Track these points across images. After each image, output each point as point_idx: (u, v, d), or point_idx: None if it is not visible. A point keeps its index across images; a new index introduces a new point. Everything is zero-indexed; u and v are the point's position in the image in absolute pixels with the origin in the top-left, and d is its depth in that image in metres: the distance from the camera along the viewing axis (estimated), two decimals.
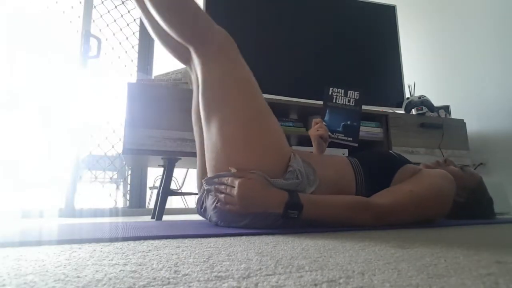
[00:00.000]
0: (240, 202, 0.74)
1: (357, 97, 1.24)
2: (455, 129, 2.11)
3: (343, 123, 1.22)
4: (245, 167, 0.78)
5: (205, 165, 0.92)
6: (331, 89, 1.25)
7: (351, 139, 1.21)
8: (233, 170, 0.78)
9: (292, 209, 0.74)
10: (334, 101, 1.24)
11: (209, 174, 0.86)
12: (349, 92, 1.24)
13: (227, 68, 0.85)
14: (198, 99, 0.95)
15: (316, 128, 1.19)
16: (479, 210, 1.10)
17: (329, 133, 1.20)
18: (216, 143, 0.82)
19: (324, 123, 1.21)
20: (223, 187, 0.78)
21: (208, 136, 0.85)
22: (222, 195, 0.78)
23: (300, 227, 0.79)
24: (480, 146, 2.26)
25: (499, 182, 1.58)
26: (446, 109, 2.30)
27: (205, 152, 0.87)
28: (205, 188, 0.88)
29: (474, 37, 2.42)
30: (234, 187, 0.75)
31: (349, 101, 1.24)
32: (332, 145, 1.33)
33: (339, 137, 1.21)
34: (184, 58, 1.02)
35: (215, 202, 0.83)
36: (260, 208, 0.75)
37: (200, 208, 0.96)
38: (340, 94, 1.24)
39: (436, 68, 2.70)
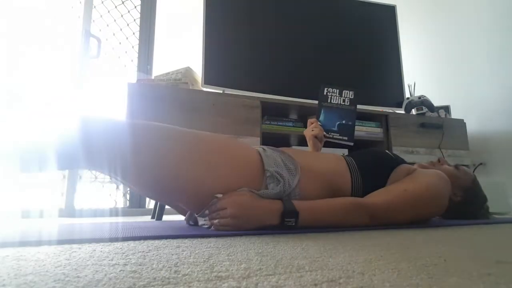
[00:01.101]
0: (234, 222, 0.72)
1: (352, 97, 1.24)
2: (455, 129, 2.11)
3: (338, 123, 1.22)
4: (227, 190, 0.76)
5: (179, 207, 0.91)
6: (326, 89, 1.25)
7: (346, 138, 1.21)
8: (218, 195, 0.76)
9: (288, 217, 0.74)
10: (329, 101, 1.24)
11: (194, 210, 0.84)
12: (344, 91, 1.24)
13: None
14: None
15: (311, 128, 1.19)
16: (474, 209, 1.10)
17: (324, 132, 1.20)
18: (183, 195, 0.79)
19: (319, 123, 1.21)
20: (215, 214, 0.76)
21: (171, 196, 0.80)
22: (216, 221, 0.75)
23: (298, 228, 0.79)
24: (480, 146, 2.26)
25: (499, 182, 1.58)
26: (446, 109, 2.30)
27: (185, 204, 0.84)
28: (200, 221, 0.87)
29: (474, 37, 2.42)
30: (225, 208, 0.73)
31: (344, 100, 1.24)
32: (330, 145, 1.33)
33: (334, 136, 1.21)
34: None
35: (210, 227, 0.81)
36: (256, 222, 0.74)
37: (194, 223, 0.95)
38: (335, 94, 1.24)
39: (436, 68, 2.70)
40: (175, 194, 0.79)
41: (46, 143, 0.71)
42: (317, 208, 0.78)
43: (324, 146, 1.24)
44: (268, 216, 0.74)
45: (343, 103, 1.24)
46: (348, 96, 1.24)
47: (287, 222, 0.74)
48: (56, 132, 0.72)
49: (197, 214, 0.85)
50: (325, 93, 1.24)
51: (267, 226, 0.75)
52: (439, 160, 1.14)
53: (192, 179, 0.75)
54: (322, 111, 1.23)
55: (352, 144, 1.21)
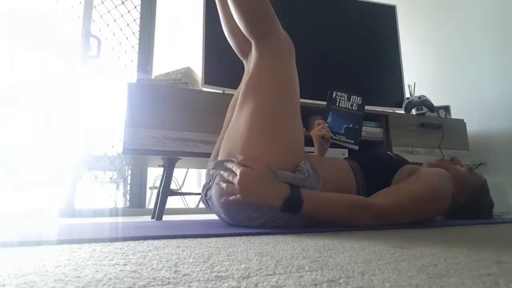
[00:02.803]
0: (240, 191, 0.75)
1: (360, 102, 1.26)
2: (455, 129, 2.11)
3: (345, 126, 1.24)
4: (257, 158, 0.79)
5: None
6: (334, 92, 1.27)
7: (352, 141, 1.23)
8: (240, 157, 0.79)
9: (292, 204, 0.74)
10: (337, 104, 1.26)
11: (220, 158, 0.88)
12: (352, 97, 1.26)
13: (278, 66, 0.90)
14: (241, 88, 0.99)
15: (319, 129, 1.21)
16: (478, 212, 1.10)
17: (331, 134, 1.21)
18: (240, 129, 0.85)
19: (326, 124, 1.23)
20: (226, 174, 0.80)
21: (235, 121, 0.89)
22: (224, 185, 0.79)
23: (299, 227, 0.79)
24: (480, 146, 2.26)
25: (499, 182, 1.57)
26: (446, 109, 2.30)
27: (225, 136, 0.91)
28: (211, 172, 0.89)
29: (474, 37, 2.42)
30: (236, 174, 0.76)
31: (352, 105, 1.26)
32: (332, 145, 1.34)
33: (340, 139, 1.23)
34: (244, 52, 1.12)
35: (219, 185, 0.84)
36: (260, 198, 0.76)
37: (205, 196, 0.96)
38: (343, 98, 1.26)
39: (436, 68, 2.70)
40: (243, 112, 0.87)
41: None
42: (323, 201, 0.79)
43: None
44: (273, 197, 0.75)
45: (351, 108, 1.25)
46: (356, 102, 1.26)
47: (289, 208, 0.75)
48: None
49: (212, 164, 0.89)
50: (333, 97, 1.26)
51: (269, 207, 0.77)
52: (452, 159, 1.13)
53: (255, 126, 0.84)
54: (330, 114, 1.25)
55: (357, 147, 1.23)
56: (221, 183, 0.81)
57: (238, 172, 0.76)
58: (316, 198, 0.78)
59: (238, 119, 0.88)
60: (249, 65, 1.02)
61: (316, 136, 1.20)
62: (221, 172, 0.82)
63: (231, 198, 0.77)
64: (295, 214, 0.76)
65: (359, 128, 1.24)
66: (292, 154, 0.85)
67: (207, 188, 0.95)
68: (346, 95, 1.26)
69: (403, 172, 0.94)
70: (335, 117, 1.25)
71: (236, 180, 0.75)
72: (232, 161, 0.80)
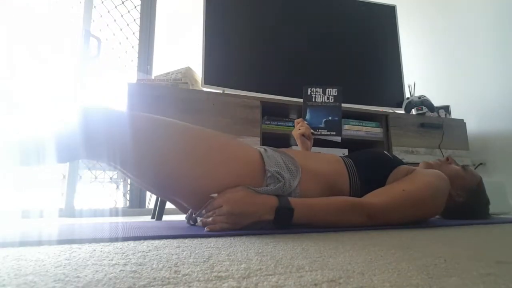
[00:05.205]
0: (231, 219, 0.73)
1: (336, 94, 1.27)
2: (455, 129, 2.11)
3: (324, 119, 1.26)
4: (229, 186, 0.76)
5: (179, 203, 0.91)
6: (309, 89, 1.29)
7: (334, 133, 1.24)
8: (214, 195, 0.76)
9: (283, 213, 0.74)
10: (313, 100, 1.28)
11: (193, 208, 0.84)
12: (327, 90, 1.28)
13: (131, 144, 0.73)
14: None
15: (298, 127, 1.22)
16: (476, 211, 1.10)
17: (312, 130, 1.23)
18: (182, 191, 0.79)
19: (305, 122, 1.25)
20: (211, 212, 0.76)
21: (169, 191, 0.81)
22: (211, 219, 0.75)
23: (298, 227, 0.79)
24: (480, 146, 2.26)
25: (499, 182, 1.57)
26: (446, 109, 2.30)
27: (182, 195, 0.83)
28: (197, 218, 0.86)
29: (474, 37, 2.42)
30: (221, 206, 0.73)
31: (328, 98, 1.27)
32: (329, 145, 1.34)
33: (322, 133, 1.25)
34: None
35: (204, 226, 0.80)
36: (252, 218, 0.74)
37: (194, 222, 0.95)
38: (318, 93, 1.28)
39: (436, 68, 2.70)
40: (173, 190, 0.80)
41: (46, 135, 0.72)
42: (313, 206, 0.78)
43: (320, 146, 1.25)
44: (264, 211, 0.74)
45: (328, 101, 1.27)
46: (332, 94, 1.28)
47: (282, 219, 0.74)
48: (55, 124, 0.73)
49: (194, 214, 0.85)
50: (309, 93, 1.28)
51: (263, 222, 0.75)
52: (447, 159, 1.13)
53: (190, 178, 0.76)
54: (307, 110, 1.27)
55: (340, 138, 1.25)
56: (208, 220, 0.76)
57: (222, 202, 0.73)
58: (306, 204, 0.77)
59: (169, 189, 0.79)
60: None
61: (297, 135, 1.21)
62: (205, 215, 0.78)
63: (220, 227, 0.73)
64: (289, 223, 0.75)
65: (339, 119, 1.26)
66: (242, 164, 0.80)
67: (192, 218, 0.94)
68: (321, 89, 1.28)
69: (399, 172, 0.94)
70: (313, 112, 1.27)
71: (223, 211, 0.73)
72: (209, 202, 0.76)
